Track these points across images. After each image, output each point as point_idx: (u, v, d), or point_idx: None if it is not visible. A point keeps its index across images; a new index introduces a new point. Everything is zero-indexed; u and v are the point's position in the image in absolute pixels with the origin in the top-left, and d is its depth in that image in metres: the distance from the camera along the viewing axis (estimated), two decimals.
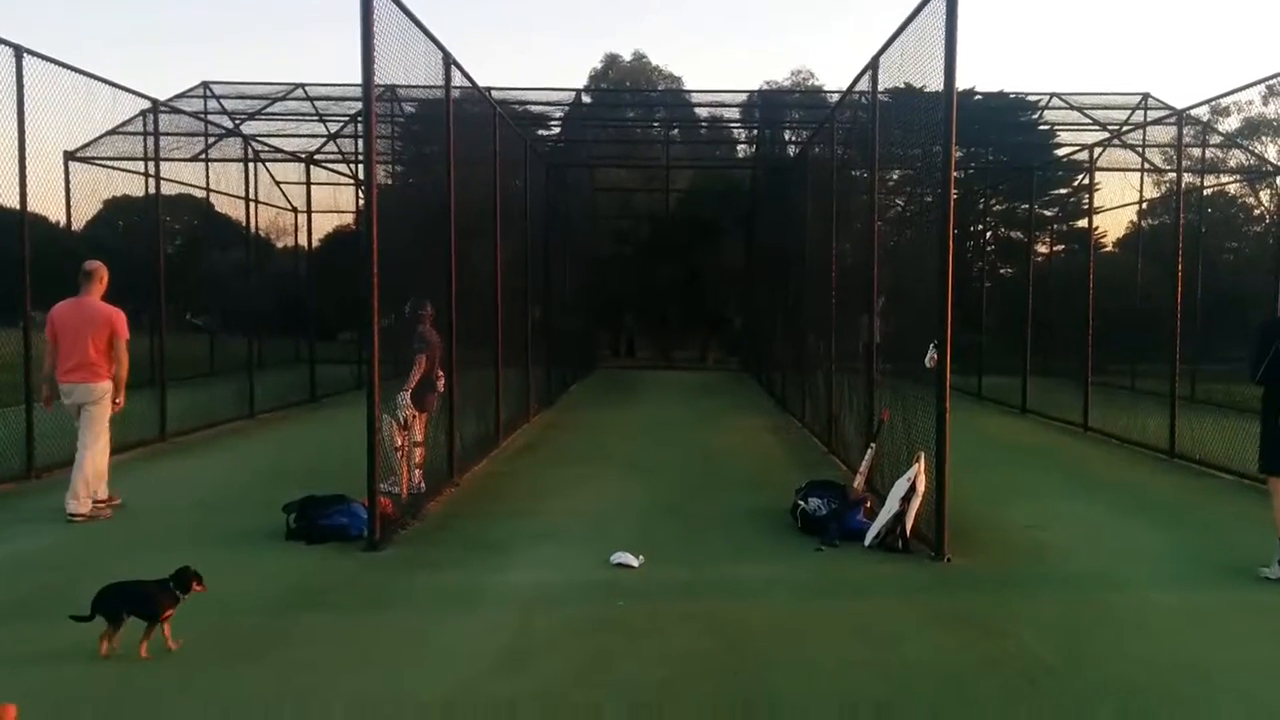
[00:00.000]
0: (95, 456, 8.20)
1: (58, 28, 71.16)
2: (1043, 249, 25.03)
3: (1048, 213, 24.98)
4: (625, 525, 7.93)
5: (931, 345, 7.38)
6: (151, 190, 14.75)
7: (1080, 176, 21.08)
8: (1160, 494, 9.79)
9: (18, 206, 9.74)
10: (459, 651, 5.12)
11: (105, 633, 4.89)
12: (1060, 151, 22.38)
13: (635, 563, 6.76)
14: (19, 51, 9.42)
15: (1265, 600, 6.25)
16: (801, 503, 7.98)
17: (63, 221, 14.98)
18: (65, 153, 14.91)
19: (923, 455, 7.39)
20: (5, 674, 4.71)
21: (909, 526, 7.32)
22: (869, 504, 7.98)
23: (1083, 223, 19.86)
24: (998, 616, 5.79)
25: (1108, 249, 25.22)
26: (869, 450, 8.79)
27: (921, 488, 7.34)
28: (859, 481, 8.64)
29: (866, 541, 7.40)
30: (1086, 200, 18.94)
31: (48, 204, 16.73)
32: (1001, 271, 26.12)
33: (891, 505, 7.43)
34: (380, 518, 7.19)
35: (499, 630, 5.44)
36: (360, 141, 21.44)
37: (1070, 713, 4.47)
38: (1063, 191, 23.95)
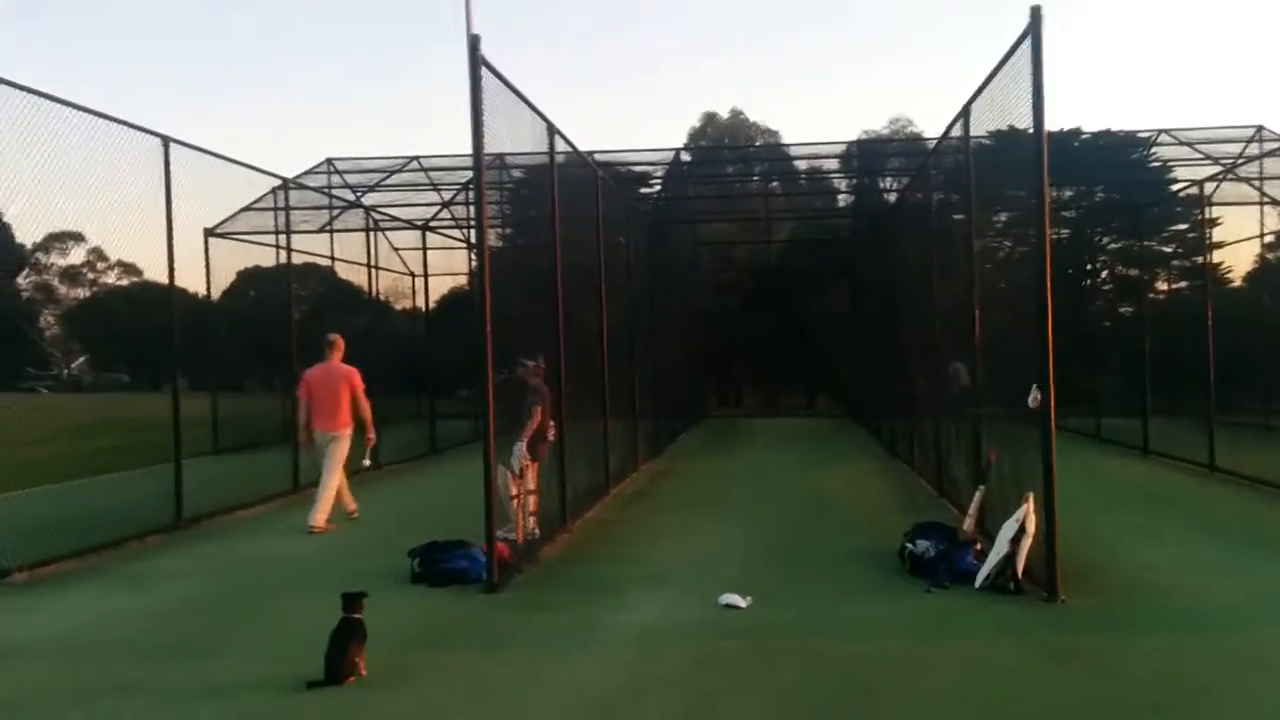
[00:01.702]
0: (329, 492, 10.32)
1: (193, 118, 76.17)
2: (1163, 286, 24.42)
3: (1166, 249, 24.38)
4: (733, 568, 8.10)
5: (1035, 386, 7.39)
6: (281, 260, 15.77)
7: (1196, 213, 20.56)
8: None
9: (167, 281, 10.59)
10: (574, 687, 5.37)
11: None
12: (1175, 188, 21.86)
13: (743, 603, 6.92)
14: (166, 141, 10.31)
15: None
16: (910, 545, 8.02)
17: (202, 292, 16.05)
18: (205, 229, 16.03)
19: (1031, 496, 7.39)
20: (179, 706, 5.15)
21: (1020, 567, 7.30)
22: (979, 545, 7.97)
23: (1201, 259, 19.31)
24: (1111, 656, 5.76)
25: (1234, 284, 24.39)
26: (978, 492, 8.78)
27: (1031, 528, 7.32)
28: (968, 523, 8.61)
29: (977, 583, 7.40)
30: (1204, 236, 18.46)
31: (190, 278, 17.92)
32: (1120, 310, 25.41)
33: (1001, 546, 7.43)
34: (498, 562, 7.55)
35: (612, 668, 5.68)
36: (472, 208, 22.45)
37: None
38: (1181, 227, 23.31)
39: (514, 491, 8.92)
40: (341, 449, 10.44)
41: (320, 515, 10.13)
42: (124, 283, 42.72)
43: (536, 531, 9.05)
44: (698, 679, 5.48)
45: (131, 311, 34.15)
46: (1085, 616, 6.60)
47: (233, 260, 17.20)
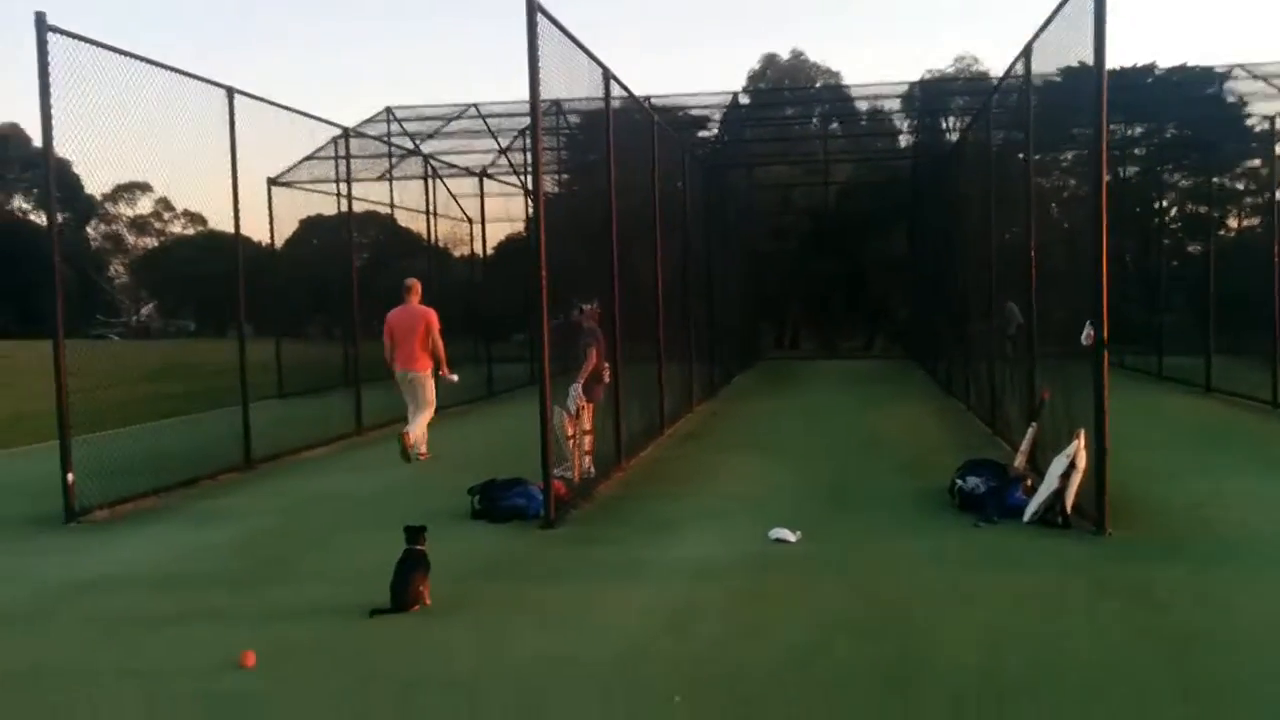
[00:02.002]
0: (421, 422, 11.04)
1: (253, 69, 76.90)
2: (1233, 224, 23.75)
3: (1240, 186, 23.68)
4: (784, 505, 8.26)
5: (1088, 323, 7.37)
6: (343, 209, 16.06)
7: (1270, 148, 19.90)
8: None
9: (232, 230, 10.91)
10: (629, 616, 5.58)
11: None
12: (1249, 123, 21.15)
13: (793, 538, 7.08)
14: (230, 92, 10.55)
15: None
16: (960, 481, 8.10)
17: (266, 241, 16.44)
18: (268, 179, 16.38)
19: (1082, 432, 7.40)
20: (252, 629, 5.48)
21: (1069, 502, 7.35)
22: (1029, 481, 8.01)
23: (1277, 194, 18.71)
24: (1158, 588, 5.82)
25: None
26: (1030, 429, 8.79)
27: (1082, 464, 7.35)
28: (1020, 460, 8.64)
29: (1026, 517, 7.48)
30: (1275, 172, 17.88)
31: (254, 226, 18.37)
32: (1189, 249, 24.80)
33: (1051, 482, 7.48)
34: (554, 499, 7.79)
35: (666, 597, 5.88)
36: (528, 155, 22.55)
37: (1221, 677, 4.52)
38: (1255, 163, 22.59)
39: (570, 432, 9.14)
40: (425, 388, 11.14)
41: (418, 435, 10.96)
42: (190, 232, 43.74)
43: (592, 470, 9.28)
44: (746, 609, 5.67)
45: (197, 259, 34.97)
46: (1134, 550, 6.65)
47: (295, 209, 17.56)
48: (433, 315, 11.18)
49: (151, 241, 48.10)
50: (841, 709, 4.29)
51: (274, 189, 16.91)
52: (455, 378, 11.65)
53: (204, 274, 30.73)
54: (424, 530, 5.95)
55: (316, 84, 77.43)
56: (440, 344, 11.21)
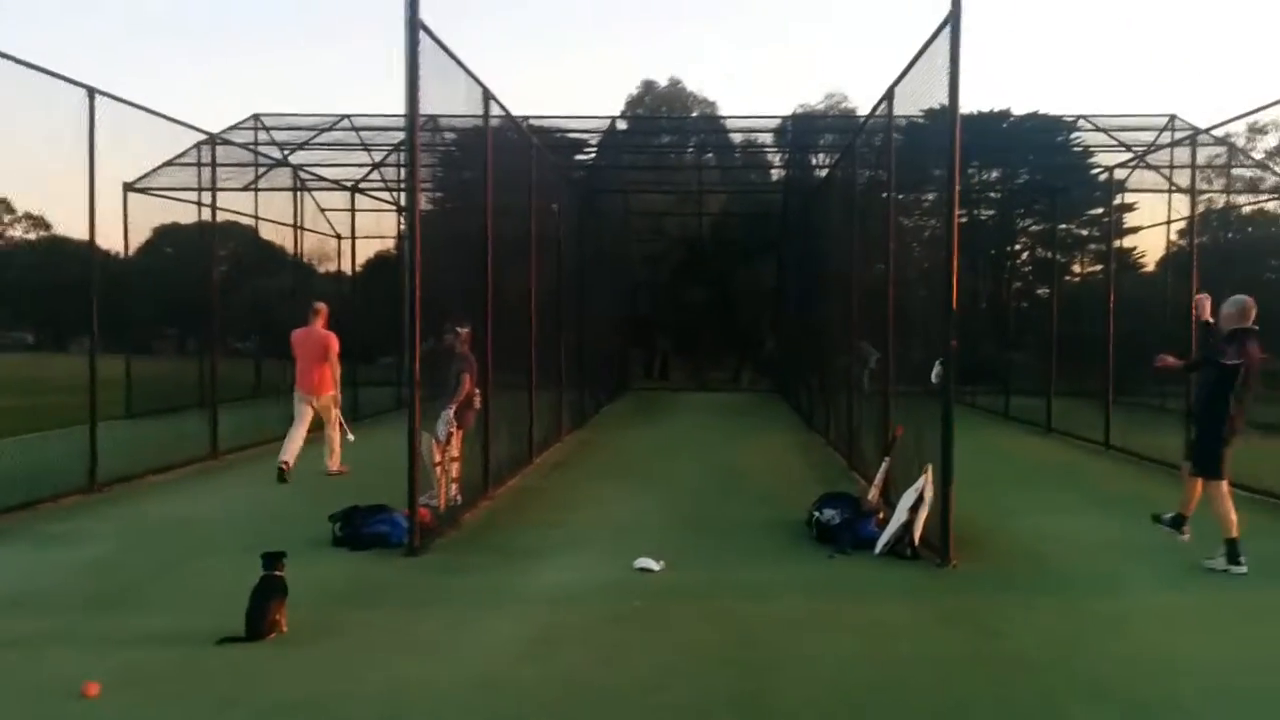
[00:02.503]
0: (334, 433, 11.55)
1: (107, 69, 73.56)
2: (1078, 269, 25.22)
3: (1084, 233, 25.19)
4: (649, 534, 8.39)
5: (938, 362, 7.77)
6: (200, 218, 15.56)
7: (1116, 197, 21.29)
8: (1166, 508, 10.02)
9: (81, 237, 10.43)
10: (491, 642, 5.61)
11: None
12: (1094, 173, 22.57)
13: (656, 567, 7.21)
14: (91, 92, 10.12)
15: (1243, 600, 6.64)
16: (817, 513, 8.40)
17: (118, 249, 15.77)
18: (124, 184, 15.73)
19: (930, 467, 7.78)
20: (97, 655, 5.26)
21: (917, 535, 7.72)
22: (881, 515, 8.37)
23: (1117, 243, 20.02)
24: (995, 617, 6.18)
25: (1147, 269, 25.28)
26: (883, 463, 9.17)
27: (929, 498, 7.73)
28: (873, 494, 9.00)
29: (877, 549, 7.80)
30: (1118, 221, 19.16)
31: (104, 233, 17.52)
32: (1038, 291, 26.20)
33: (900, 515, 7.84)
34: (419, 526, 7.72)
35: (527, 625, 5.92)
36: (402, 170, 22.26)
37: (1046, 701, 4.84)
38: (1098, 212, 24.10)
39: (438, 458, 9.06)
40: (327, 410, 11.56)
41: (333, 461, 11.51)
42: (31, 236, 41.29)
43: (459, 498, 9.21)
44: (609, 634, 5.77)
45: (38, 266, 33.09)
46: (975, 581, 7.03)
47: (149, 216, 16.93)
48: (334, 340, 11.46)
49: None
50: None
51: (130, 195, 16.24)
52: (337, 397, 11.80)
53: (46, 283, 29.13)
54: (283, 556, 5.84)
55: (176, 84, 74.35)
56: (338, 368, 11.57)
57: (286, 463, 11.08)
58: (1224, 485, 7.58)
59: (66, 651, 5.37)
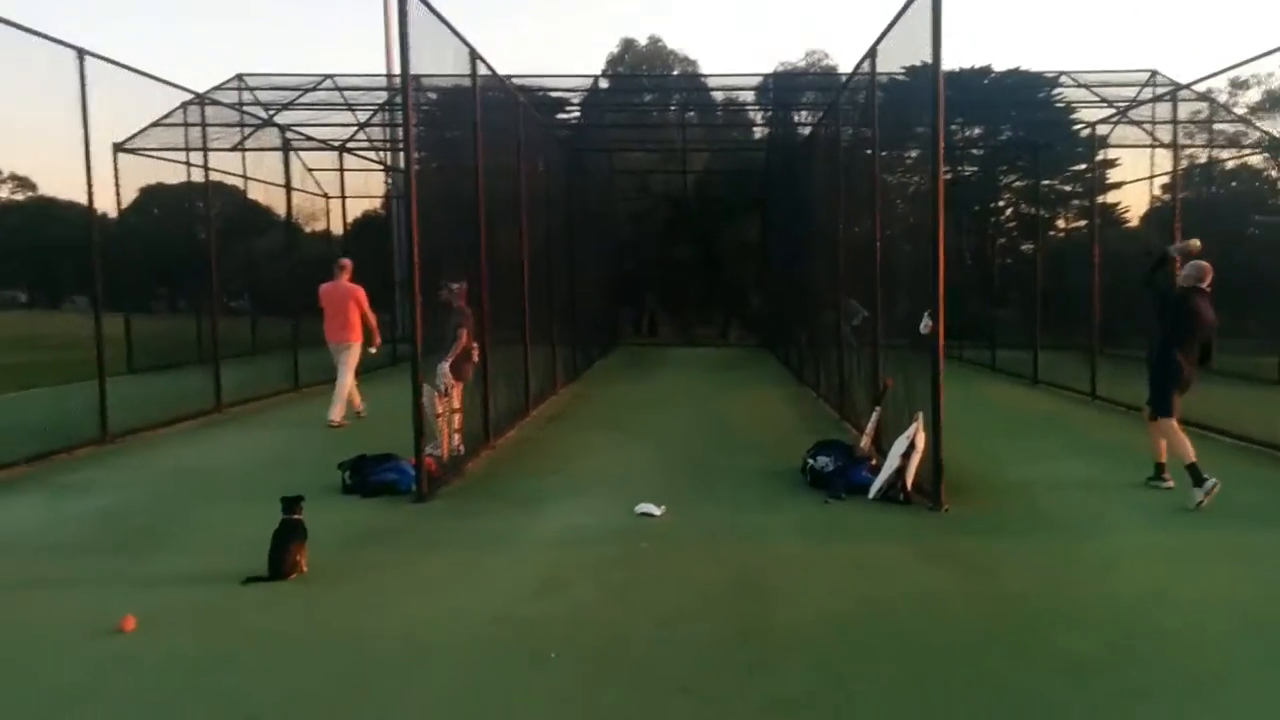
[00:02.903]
0: (344, 386, 12.03)
1: (84, 27, 72.33)
2: (1062, 224, 25.47)
3: (1067, 188, 25.41)
4: (648, 482, 8.64)
5: (926, 314, 7.99)
6: (187, 178, 15.57)
7: (1099, 153, 21.47)
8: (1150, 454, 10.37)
9: (71, 198, 10.55)
10: (501, 582, 5.86)
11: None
12: (1076, 129, 22.73)
13: (658, 512, 7.47)
14: (81, 54, 10.16)
15: (1227, 540, 6.91)
16: (811, 460, 8.67)
17: (109, 210, 15.80)
18: (114, 145, 15.73)
19: (920, 415, 8.05)
20: (128, 594, 5.47)
21: (909, 481, 7.99)
22: (874, 461, 8.65)
23: (1100, 198, 20.26)
24: (984, 556, 6.45)
25: (1130, 224, 25.52)
26: (874, 413, 9.44)
27: (920, 445, 8.00)
28: (865, 442, 9.28)
29: (870, 495, 8.08)
30: (1101, 176, 19.35)
31: (96, 194, 17.44)
32: (1023, 247, 26.41)
33: (893, 461, 8.10)
34: (425, 475, 7.95)
35: (535, 566, 6.17)
36: (389, 130, 22.25)
37: (1030, 631, 5.12)
38: (1081, 168, 24.28)
39: (440, 410, 9.27)
40: (351, 356, 12.11)
41: (337, 411, 11.87)
42: (19, 198, 40.98)
43: (461, 448, 9.45)
44: (613, 574, 6.02)
45: (28, 227, 32.94)
46: (965, 524, 7.31)
47: (135, 176, 16.94)
48: (361, 293, 12.15)
49: None
50: (706, 660, 4.68)
51: (119, 155, 16.23)
52: (374, 350, 12.63)
53: (36, 242, 29.05)
54: (300, 500, 6.06)
55: (157, 44, 73.43)
56: (371, 317, 12.32)
57: (359, 411, 12.19)
58: (1173, 422, 8.17)
59: (97, 592, 5.60)
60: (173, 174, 17.63)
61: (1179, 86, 17.34)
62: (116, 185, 15.76)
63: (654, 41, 38.65)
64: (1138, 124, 19.10)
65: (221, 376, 13.07)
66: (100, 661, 4.60)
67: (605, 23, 72.96)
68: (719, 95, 28.58)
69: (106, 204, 15.74)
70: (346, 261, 12.38)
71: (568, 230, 17.50)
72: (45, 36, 9.73)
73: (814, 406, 14.16)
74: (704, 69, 36.88)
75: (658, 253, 30.93)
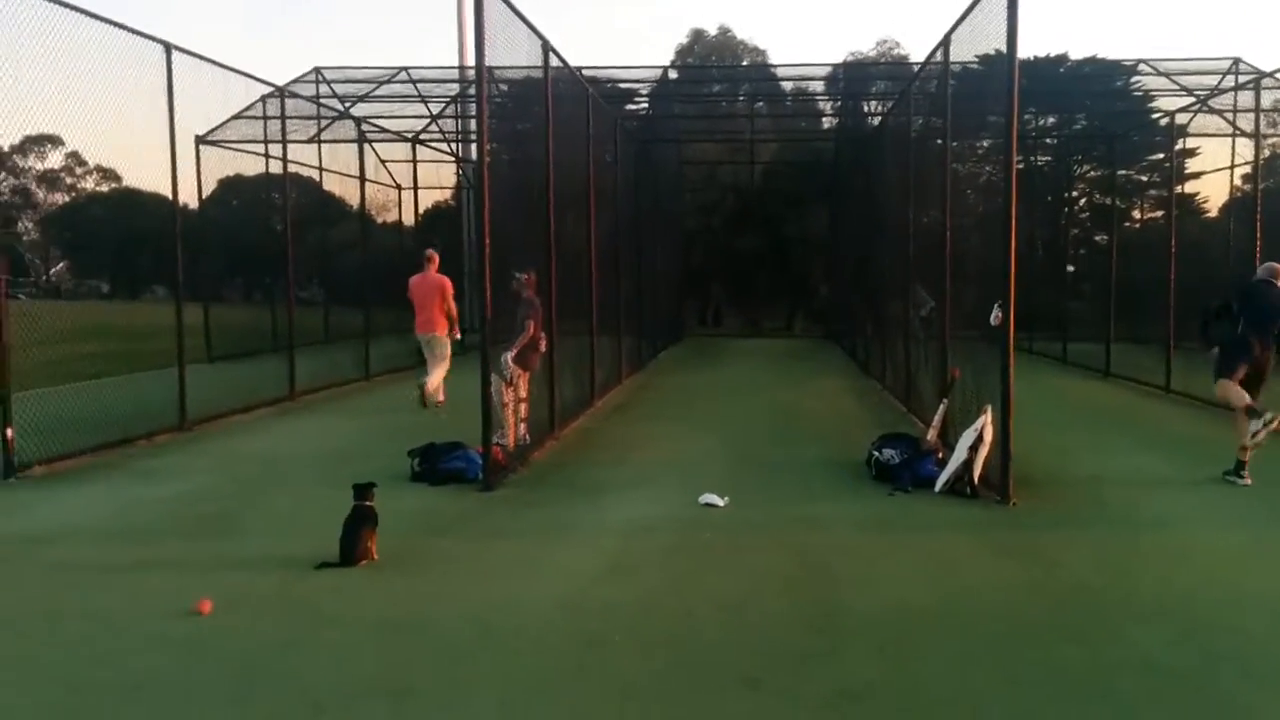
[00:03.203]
0: (438, 375, 12.14)
1: (160, 19, 74.24)
2: (1138, 215, 24.85)
3: (1144, 178, 24.78)
4: (712, 472, 8.68)
5: (996, 305, 7.91)
6: (263, 169, 15.92)
7: (1178, 142, 20.89)
8: (1226, 450, 10.05)
9: (154, 189, 10.85)
10: (568, 568, 5.95)
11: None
12: (1154, 117, 22.14)
13: (721, 502, 7.51)
14: (168, 47, 10.47)
15: None
16: (876, 453, 8.62)
17: (190, 202, 16.27)
18: (196, 137, 16.18)
19: (989, 407, 7.96)
20: (204, 577, 5.69)
21: (977, 474, 7.90)
22: (940, 454, 8.57)
23: (1178, 188, 19.70)
24: (1052, 550, 6.38)
25: (1210, 214, 24.81)
26: (941, 405, 9.35)
27: (989, 437, 7.91)
28: (932, 434, 9.19)
29: (937, 488, 8.01)
30: (1180, 166, 18.84)
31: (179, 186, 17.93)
32: (1096, 238, 25.83)
33: (960, 454, 8.02)
34: (492, 464, 8.09)
35: (602, 553, 6.26)
36: (460, 122, 22.53)
37: (1100, 624, 5.05)
38: (1158, 157, 23.64)
39: (507, 399, 9.40)
40: (443, 347, 12.27)
41: (434, 386, 12.08)
42: (104, 189, 42.30)
43: (527, 437, 9.57)
44: (678, 562, 6.08)
45: (112, 218, 33.99)
46: (1033, 517, 7.23)
47: (214, 168, 17.41)
48: (448, 284, 12.28)
49: (63, 198, 46.38)
50: (772, 647, 4.71)
51: (201, 147, 16.70)
52: (459, 336, 12.63)
53: (119, 233, 29.94)
54: (373, 486, 6.21)
55: (239, 39, 75.20)
56: (454, 308, 12.39)
57: (438, 402, 12.06)
58: (1229, 381, 8.51)
59: (174, 576, 5.79)
60: (251, 165, 18.14)
61: (1263, 74, 16.79)
62: (198, 177, 16.25)
63: (723, 32, 38.59)
64: (1219, 113, 18.55)
65: (296, 365, 13.39)
66: (176, 645, 4.76)
67: (676, 12, 72.73)
68: (788, 85, 28.44)
69: (188, 195, 16.20)
70: (433, 253, 12.52)
71: (635, 221, 17.58)
72: (133, 31, 10.04)
73: (879, 399, 14.06)
74: (773, 59, 36.78)
75: (724, 244, 30.88)
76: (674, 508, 7.46)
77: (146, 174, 10.80)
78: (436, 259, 12.42)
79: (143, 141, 11.05)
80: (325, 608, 5.26)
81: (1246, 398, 8.29)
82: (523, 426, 9.62)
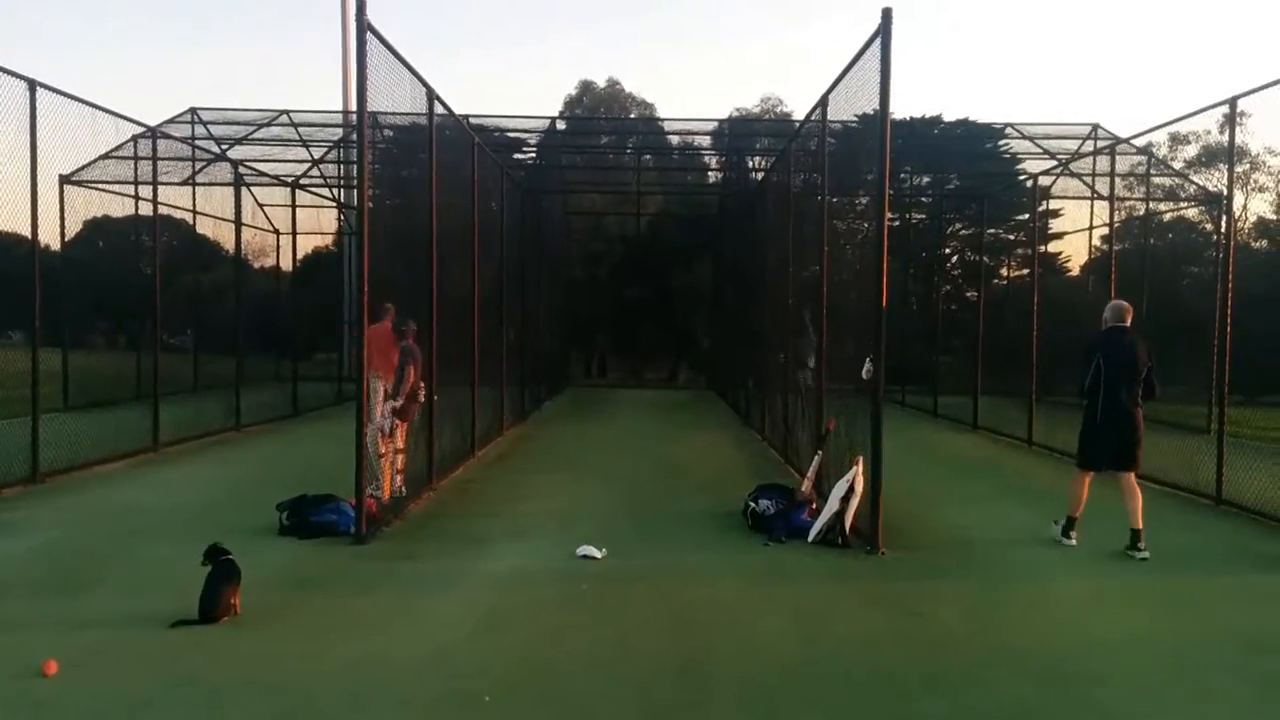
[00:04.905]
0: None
1: (41, 55, 71.53)
2: (1005, 273, 26.00)
3: (1011, 237, 25.98)
4: (590, 524, 8.65)
5: (868, 359, 8.15)
6: (133, 211, 15.37)
7: (1041, 203, 21.94)
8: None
9: (13, 229, 10.36)
10: (439, 623, 5.83)
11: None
12: (1020, 179, 23.27)
13: (599, 554, 7.48)
14: (33, 85, 10.07)
15: (1147, 584, 7.10)
16: (752, 503, 8.74)
17: (52, 243, 15.54)
18: (60, 176, 15.54)
19: (860, 459, 8.16)
20: (53, 637, 5.36)
21: (848, 524, 8.09)
22: (814, 505, 8.74)
23: (1041, 248, 20.67)
24: (919, 599, 6.55)
25: (1072, 273, 26.08)
26: (816, 456, 9.54)
27: (860, 489, 8.11)
28: (807, 485, 9.37)
29: (810, 537, 8.16)
30: (1043, 226, 19.80)
31: (40, 226, 17.19)
32: (967, 294, 26.89)
33: (832, 504, 8.20)
34: (366, 516, 7.89)
35: (475, 607, 6.15)
36: (342, 167, 22.23)
37: (967, 673, 5.20)
38: (1024, 217, 24.81)
39: (382, 450, 9.22)
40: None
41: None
42: None
43: (403, 489, 9.39)
44: (556, 615, 6.02)
45: None
46: (902, 567, 7.43)
47: (80, 208, 16.72)
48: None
49: None
50: (643, 701, 4.69)
51: (66, 187, 16.03)
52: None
53: None
54: (226, 553, 5.94)
55: (110, 77, 72.81)
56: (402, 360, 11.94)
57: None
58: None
59: (21, 634, 5.47)
60: (120, 207, 17.47)
61: (1118, 140, 17.88)
62: (61, 217, 15.54)
63: (612, 84, 39.11)
64: (1078, 176, 19.64)
65: (160, 414, 12.83)
66: (19, 706, 4.49)
67: (564, 63, 73.56)
68: (675, 139, 28.96)
69: (50, 236, 15.46)
70: (390, 306, 11.93)
71: (520, 270, 17.56)
72: None
73: (758, 448, 14.27)
74: (661, 113, 37.39)
75: (610, 294, 31.08)
76: (551, 560, 7.40)
77: (5, 213, 10.25)
78: (393, 311, 11.57)
79: (2, 180, 10.55)
80: (182, 666, 5.02)
81: (1080, 507, 8.32)
82: (399, 478, 9.45)
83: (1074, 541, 8.20)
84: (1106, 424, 8.16)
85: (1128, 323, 8.25)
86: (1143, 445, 8.27)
